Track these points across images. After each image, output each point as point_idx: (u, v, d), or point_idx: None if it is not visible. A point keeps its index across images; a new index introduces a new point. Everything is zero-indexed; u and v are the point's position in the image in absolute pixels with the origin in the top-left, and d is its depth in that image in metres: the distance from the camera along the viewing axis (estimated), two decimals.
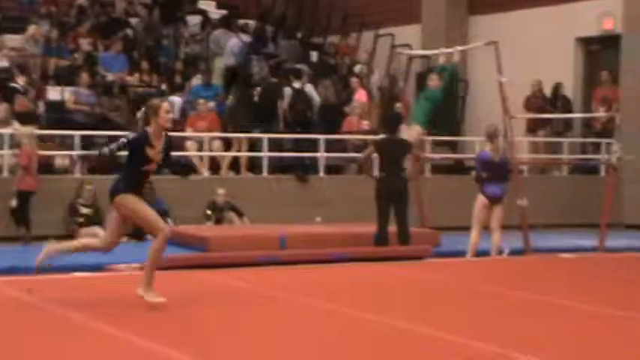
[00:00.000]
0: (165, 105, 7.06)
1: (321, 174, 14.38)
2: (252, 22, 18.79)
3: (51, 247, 7.40)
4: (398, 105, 14.46)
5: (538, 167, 16.55)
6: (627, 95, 15.81)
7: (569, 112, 16.77)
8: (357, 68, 18.23)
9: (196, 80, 15.78)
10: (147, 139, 6.91)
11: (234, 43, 16.91)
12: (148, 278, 6.88)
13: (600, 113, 15.87)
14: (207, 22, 18.44)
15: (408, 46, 17.56)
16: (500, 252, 11.15)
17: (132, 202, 6.92)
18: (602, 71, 16.62)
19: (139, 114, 7.11)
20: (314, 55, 18.90)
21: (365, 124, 15.21)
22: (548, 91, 16.96)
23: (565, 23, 17.08)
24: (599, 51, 17.28)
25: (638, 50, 15.70)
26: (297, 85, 15.72)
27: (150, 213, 6.96)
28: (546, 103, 16.75)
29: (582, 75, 17.51)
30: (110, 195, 7.01)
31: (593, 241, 12.05)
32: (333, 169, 14.88)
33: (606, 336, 6.37)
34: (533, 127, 16.62)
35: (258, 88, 15.15)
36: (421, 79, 16.30)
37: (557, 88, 16.98)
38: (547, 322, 6.80)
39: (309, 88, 16.06)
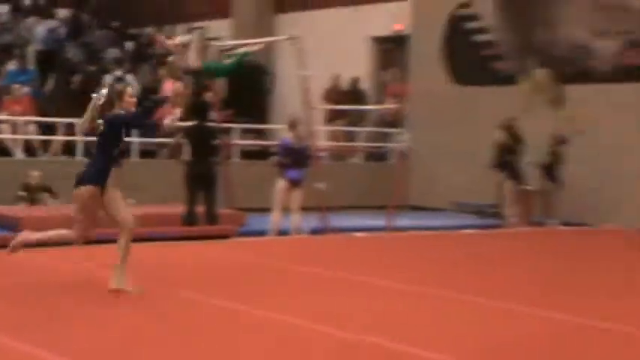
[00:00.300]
0: (129, 89, 6.72)
1: (135, 158, 14.06)
2: (66, 10, 18.14)
3: (27, 233, 6.85)
4: (208, 94, 14.31)
5: (336, 154, 16.82)
6: (415, 90, 16.33)
7: (365, 104, 17.15)
8: (171, 58, 17.91)
9: (11, 65, 15.06)
10: None
11: (44, 29, 16.31)
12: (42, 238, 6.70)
13: (391, 105, 16.32)
14: (18, 9, 17.64)
15: (218, 39, 17.43)
16: (300, 231, 11.26)
17: (85, 199, 6.50)
18: (393, 68, 17.10)
19: (100, 98, 6.63)
20: (129, 45, 18.45)
21: (175, 112, 14.98)
22: (346, 84, 17.29)
23: (361, 23, 17.45)
24: (391, 49, 17.74)
25: (424, 50, 16.23)
26: (118, 73, 15.35)
27: (86, 220, 6.57)
28: (344, 95, 17.06)
29: (376, 71, 17.95)
30: (78, 182, 6.52)
31: (384, 221, 12.36)
32: (146, 153, 14.58)
33: (396, 308, 6.51)
34: (332, 118, 16.89)
35: (78, 76, 14.68)
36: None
37: (354, 82, 17.34)
38: (346, 297, 6.84)
39: (130, 77, 15.71)
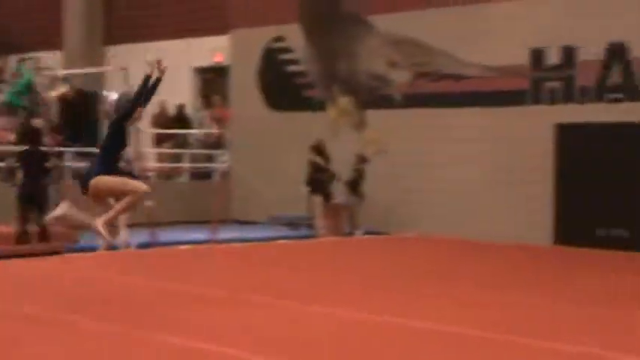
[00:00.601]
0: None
1: None
2: None
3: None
4: (37, 121, 14.00)
5: (164, 174, 16.75)
6: (235, 115, 16.52)
7: (189, 128, 17.19)
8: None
9: None
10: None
11: None
12: (110, 217, 6.60)
13: (214, 130, 16.44)
14: None
15: (49, 69, 17.05)
16: (128, 246, 11.18)
17: (107, 178, 6.52)
18: (215, 95, 17.23)
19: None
20: None
21: (9, 137, 14.54)
22: (172, 110, 17.26)
23: (184, 55, 17.50)
24: (212, 79, 17.88)
25: (243, 79, 16.47)
26: None
27: (128, 180, 6.59)
28: (170, 120, 17.03)
29: (200, 98, 18.04)
30: (84, 182, 6.48)
31: (208, 235, 12.43)
32: None
33: (215, 313, 6.60)
34: (159, 141, 16.81)
35: None
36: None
37: (180, 108, 17.34)
38: (169, 307, 6.77)
39: None
